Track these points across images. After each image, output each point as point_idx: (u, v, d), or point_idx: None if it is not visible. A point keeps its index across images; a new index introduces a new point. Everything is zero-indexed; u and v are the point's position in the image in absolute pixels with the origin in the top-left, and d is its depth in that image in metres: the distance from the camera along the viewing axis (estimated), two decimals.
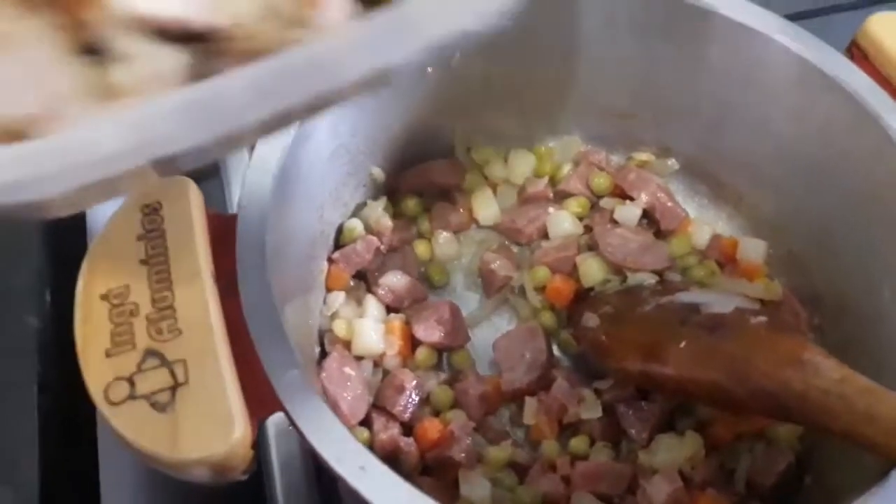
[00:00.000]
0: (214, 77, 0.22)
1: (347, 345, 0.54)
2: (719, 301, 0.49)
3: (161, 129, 0.21)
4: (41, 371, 0.46)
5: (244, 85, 0.21)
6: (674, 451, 0.50)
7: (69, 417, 0.47)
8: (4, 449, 0.43)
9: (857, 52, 0.53)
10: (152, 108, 0.21)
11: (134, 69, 0.22)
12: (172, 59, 0.23)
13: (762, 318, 0.46)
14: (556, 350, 0.57)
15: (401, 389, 0.52)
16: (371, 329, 0.54)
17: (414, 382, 0.53)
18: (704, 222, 0.62)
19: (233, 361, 0.38)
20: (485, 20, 0.24)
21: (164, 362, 0.38)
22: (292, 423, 0.37)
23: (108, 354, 0.38)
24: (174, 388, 0.37)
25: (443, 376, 0.55)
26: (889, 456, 0.37)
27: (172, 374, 0.37)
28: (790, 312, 0.57)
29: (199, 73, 0.23)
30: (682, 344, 0.47)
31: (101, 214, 0.67)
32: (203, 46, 0.24)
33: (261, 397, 0.38)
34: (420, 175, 0.61)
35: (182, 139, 0.21)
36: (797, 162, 0.55)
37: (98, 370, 0.38)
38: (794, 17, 0.78)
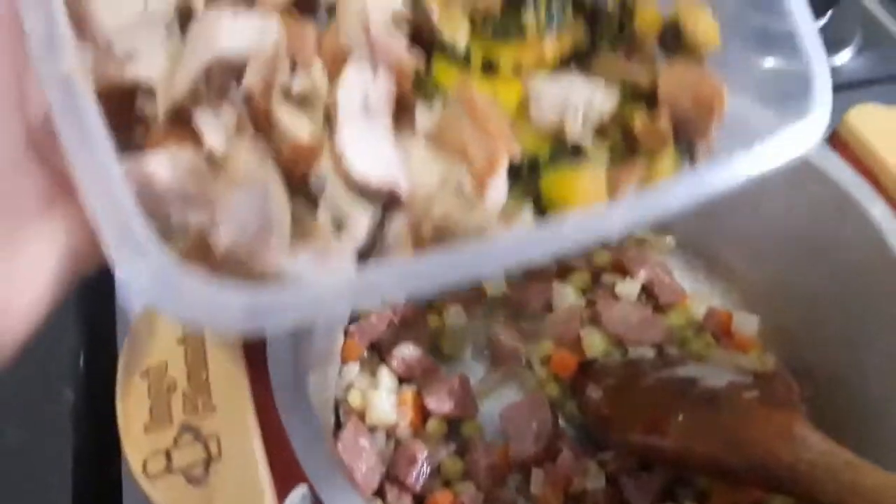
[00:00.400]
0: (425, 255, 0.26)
1: (362, 415, 0.57)
2: (714, 375, 0.52)
3: (381, 290, 0.25)
4: (76, 443, 0.48)
5: (454, 261, 0.26)
6: None
7: (101, 488, 0.50)
8: None
9: (839, 143, 0.57)
10: (377, 272, 0.25)
11: (334, 215, 0.27)
12: (366, 210, 0.27)
13: (755, 393, 0.49)
14: (561, 420, 0.60)
15: (413, 461, 0.55)
16: (384, 400, 0.56)
17: (425, 453, 0.55)
18: (700, 297, 0.65)
19: (262, 436, 0.41)
20: None
21: (199, 437, 0.41)
22: (316, 497, 0.40)
23: (146, 429, 0.41)
24: (208, 462, 0.40)
25: (453, 447, 0.58)
26: None
27: (206, 449, 0.40)
28: (783, 384, 0.59)
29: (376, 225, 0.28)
30: (680, 417, 0.49)
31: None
32: (386, 203, 0.28)
33: (286, 470, 0.41)
34: None
35: (383, 297, 0.25)
36: (787, 242, 0.59)
37: (137, 444, 0.40)
38: None
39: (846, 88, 0.90)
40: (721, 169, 0.31)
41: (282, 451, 0.41)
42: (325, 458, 0.41)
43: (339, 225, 0.27)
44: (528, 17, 0.36)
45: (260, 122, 0.27)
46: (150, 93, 0.27)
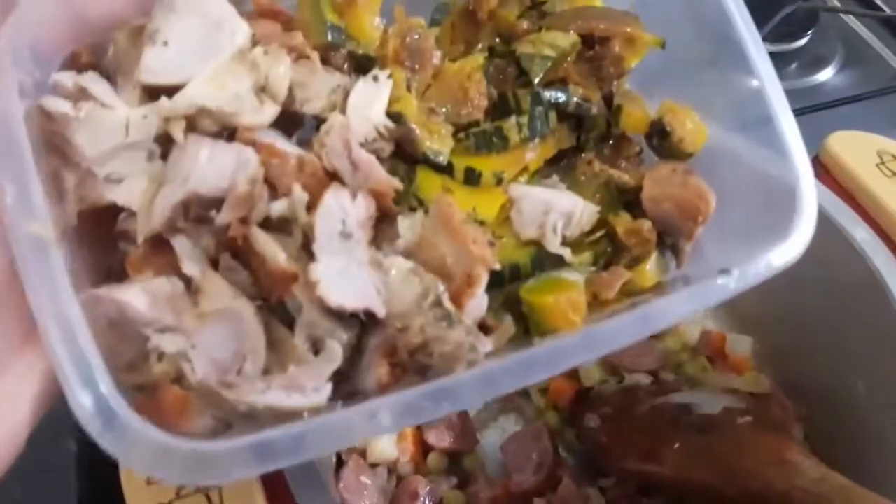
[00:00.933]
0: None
1: (363, 453, 0.57)
2: (709, 401, 0.52)
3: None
4: (80, 493, 0.49)
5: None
6: None
7: None
8: None
9: (820, 168, 0.58)
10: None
11: (311, 337, 0.28)
12: (343, 333, 0.28)
13: (748, 418, 0.50)
14: (561, 449, 0.60)
15: (415, 496, 0.55)
16: (385, 437, 0.57)
17: (427, 489, 0.56)
18: (694, 321, 0.66)
19: (263, 486, 0.42)
20: None
21: (200, 489, 0.41)
22: None
23: (149, 483, 0.42)
24: None
25: (454, 480, 0.58)
26: None
27: (209, 500, 0.41)
28: (778, 404, 0.60)
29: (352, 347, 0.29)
30: (676, 445, 0.50)
31: None
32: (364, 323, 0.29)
33: None
34: None
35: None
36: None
37: (140, 497, 0.41)
38: None
39: (830, 106, 0.91)
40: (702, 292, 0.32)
41: (282, 497, 0.42)
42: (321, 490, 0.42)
43: (316, 348, 0.28)
44: (512, 131, 0.37)
45: (237, 248, 0.28)
46: (132, 212, 0.28)
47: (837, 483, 0.42)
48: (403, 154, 0.35)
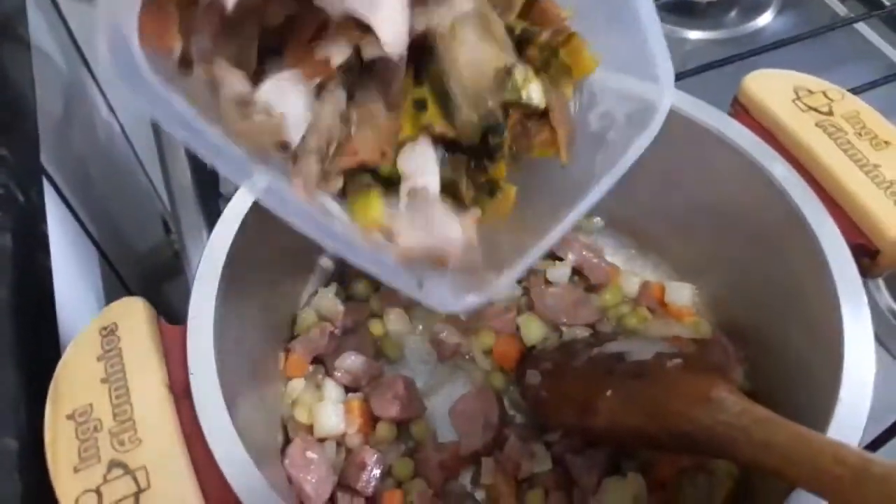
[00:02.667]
0: None
1: (310, 429, 0.58)
2: (642, 348, 0.53)
3: None
4: (24, 490, 0.49)
5: None
6: (619, 493, 0.53)
7: None
8: None
9: (739, 109, 0.58)
10: None
11: None
12: None
13: (678, 361, 0.50)
14: (508, 408, 0.61)
15: (363, 466, 0.56)
16: (331, 412, 0.58)
17: (375, 458, 0.56)
18: (634, 272, 0.67)
19: (192, 463, 0.42)
20: None
21: (127, 471, 0.42)
22: None
23: (76, 469, 0.42)
24: (137, 495, 0.41)
25: (403, 448, 0.59)
26: (788, 481, 0.40)
27: (136, 482, 0.41)
28: (720, 348, 0.61)
29: None
30: (609, 393, 0.51)
31: (74, 334, 0.71)
32: None
33: (220, 495, 0.42)
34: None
35: None
36: (703, 210, 0.60)
37: (68, 485, 0.41)
38: (705, 69, 0.85)
39: (767, 50, 0.91)
40: None
41: (213, 477, 0.42)
42: (260, 483, 0.42)
43: None
44: None
45: None
46: None
47: (758, 415, 0.43)
48: None
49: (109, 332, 0.47)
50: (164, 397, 0.44)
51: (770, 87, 0.58)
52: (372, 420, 0.60)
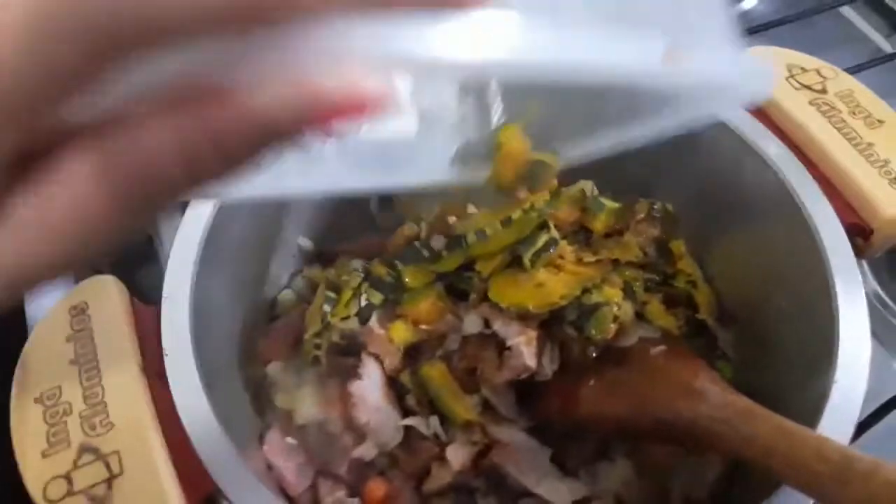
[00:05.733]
0: None
1: (290, 415, 0.56)
2: (625, 334, 0.52)
3: None
4: None
5: None
6: (608, 479, 0.52)
7: None
8: None
9: None
10: None
11: None
12: None
13: (661, 348, 0.49)
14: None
15: (346, 452, 0.54)
16: (310, 399, 0.56)
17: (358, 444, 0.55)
18: None
19: (167, 448, 0.40)
20: None
21: (99, 456, 0.40)
22: (229, 502, 0.39)
23: (44, 455, 0.40)
24: (110, 481, 0.39)
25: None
26: (768, 472, 0.39)
27: (108, 467, 0.39)
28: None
29: None
30: (592, 382, 0.49)
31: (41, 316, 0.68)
32: None
33: (197, 480, 0.40)
34: (354, 250, 0.64)
35: None
36: (694, 192, 0.59)
37: (36, 471, 0.39)
38: None
39: (755, 31, 0.91)
40: None
41: (190, 462, 0.40)
42: (237, 466, 0.40)
43: None
44: None
45: None
46: None
47: (740, 406, 0.42)
48: None
49: (79, 312, 0.44)
50: (137, 379, 0.42)
51: None
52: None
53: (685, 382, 0.45)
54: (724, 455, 0.42)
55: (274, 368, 0.58)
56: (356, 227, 0.66)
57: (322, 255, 0.64)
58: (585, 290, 0.49)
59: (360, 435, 0.54)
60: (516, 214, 0.52)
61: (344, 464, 0.54)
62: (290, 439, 0.53)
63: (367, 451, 0.53)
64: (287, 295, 0.61)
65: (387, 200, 0.65)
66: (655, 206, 0.56)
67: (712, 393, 0.43)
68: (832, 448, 0.37)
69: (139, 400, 0.41)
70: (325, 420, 0.56)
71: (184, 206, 0.79)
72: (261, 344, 0.58)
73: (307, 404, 0.56)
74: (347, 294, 0.54)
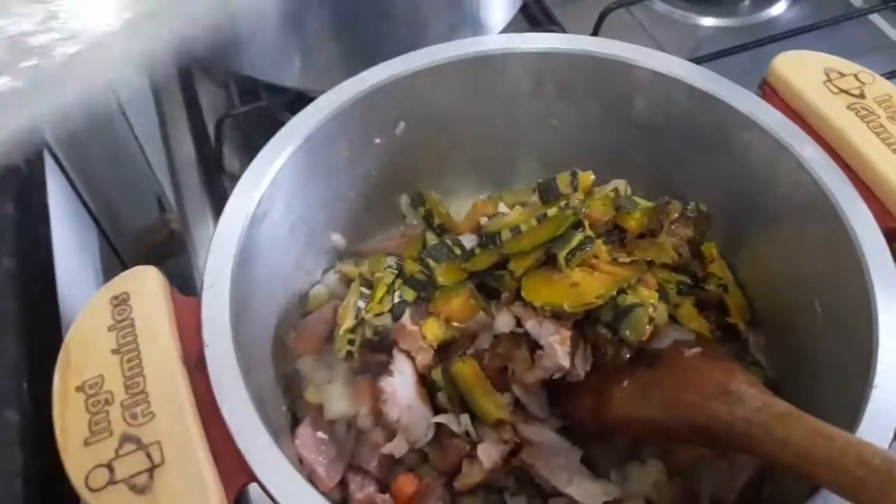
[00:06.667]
0: None
1: (320, 409, 0.56)
2: (660, 336, 0.51)
3: None
4: (24, 464, 0.47)
5: None
6: (639, 480, 0.52)
7: None
8: None
9: (768, 90, 0.57)
10: None
11: None
12: None
13: (696, 350, 0.49)
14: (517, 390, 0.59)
15: (376, 447, 0.54)
16: (340, 394, 0.56)
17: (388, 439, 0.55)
18: None
19: (206, 438, 0.41)
20: None
21: (141, 446, 0.40)
22: (266, 492, 0.40)
23: (86, 443, 0.40)
24: (151, 470, 0.39)
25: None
26: (805, 477, 0.39)
27: (149, 457, 0.39)
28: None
29: None
30: (625, 383, 0.49)
31: (74, 306, 0.69)
32: None
33: (235, 470, 0.40)
34: (377, 248, 0.64)
35: None
36: (727, 195, 0.59)
37: (78, 459, 0.40)
38: (719, 56, 0.84)
39: (783, 38, 0.90)
40: None
41: (228, 452, 0.40)
42: (275, 456, 0.41)
43: None
44: None
45: None
46: None
47: (777, 410, 0.42)
48: None
49: (121, 302, 0.45)
50: (178, 370, 0.42)
51: (800, 68, 0.56)
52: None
53: (721, 385, 0.45)
54: (761, 459, 0.41)
55: (304, 363, 0.58)
56: (387, 224, 0.67)
57: (354, 252, 0.64)
58: (621, 291, 0.49)
59: (390, 431, 0.54)
60: (552, 211, 0.52)
61: (374, 459, 0.54)
62: (321, 434, 0.54)
63: (397, 447, 0.53)
64: (319, 290, 0.61)
65: (418, 198, 0.66)
66: (689, 207, 0.55)
67: (749, 396, 0.43)
68: (873, 453, 0.37)
69: (180, 390, 0.41)
70: (355, 416, 0.56)
71: (215, 203, 0.80)
72: (292, 338, 0.59)
73: (337, 399, 0.56)
74: (381, 290, 0.54)
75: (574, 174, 0.55)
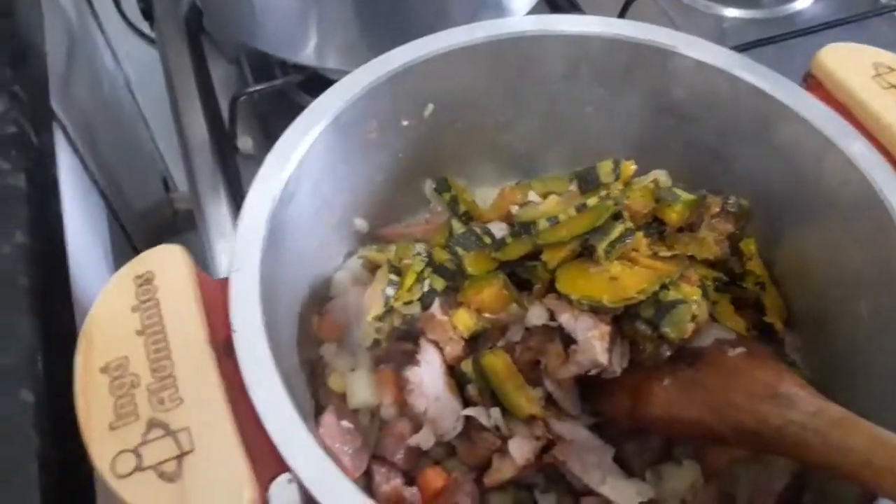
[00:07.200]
0: None
1: (342, 397, 0.54)
2: (699, 334, 0.50)
3: None
4: (40, 447, 0.45)
5: None
6: (675, 481, 0.51)
7: (68, 492, 0.47)
8: None
9: (813, 83, 0.55)
10: None
11: None
12: None
13: (740, 350, 0.47)
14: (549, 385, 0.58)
15: (401, 438, 0.52)
16: (364, 383, 0.54)
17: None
18: None
19: (236, 424, 0.39)
20: None
21: (169, 432, 0.38)
22: (300, 483, 0.38)
23: (111, 427, 0.38)
24: (181, 457, 0.37)
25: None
26: (865, 486, 0.37)
27: (178, 443, 0.38)
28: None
29: None
30: (666, 382, 0.48)
31: (85, 285, 0.67)
32: None
33: (266, 459, 0.38)
34: (401, 234, 0.63)
35: None
36: (766, 189, 0.57)
37: (103, 444, 0.38)
38: (744, 48, 0.82)
39: (809, 32, 0.89)
40: None
41: (259, 440, 0.39)
42: (309, 444, 0.39)
43: None
44: None
45: None
46: None
47: (833, 415, 0.40)
48: None
49: (145, 281, 0.43)
50: (206, 353, 0.40)
51: (848, 61, 0.55)
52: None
53: (769, 387, 0.43)
54: (812, 465, 0.40)
55: (327, 349, 0.56)
56: (410, 209, 0.65)
57: (376, 237, 0.63)
58: (662, 287, 0.47)
59: (415, 422, 0.53)
60: (592, 201, 0.51)
61: (399, 451, 0.52)
62: (345, 422, 0.52)
63: (424, 439, 0.51)
64: (342, 275, 0.59)
65: (443, 184, 0.64)
66: (730, 201, 0.54)
67: (801, 399, 0.41)
68: None
69: (210, 375, 0.40)
70: (378, 405, 0.55)
71: (228, 181, 0.78)
72: (314, 324, 0.57)
73: (361, 388, 0.54)
74: (411, 278, 0.52)
75: (617, 163, 0.53)
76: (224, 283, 0.43)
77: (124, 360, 0.40)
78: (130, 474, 0.37)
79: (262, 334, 0.41)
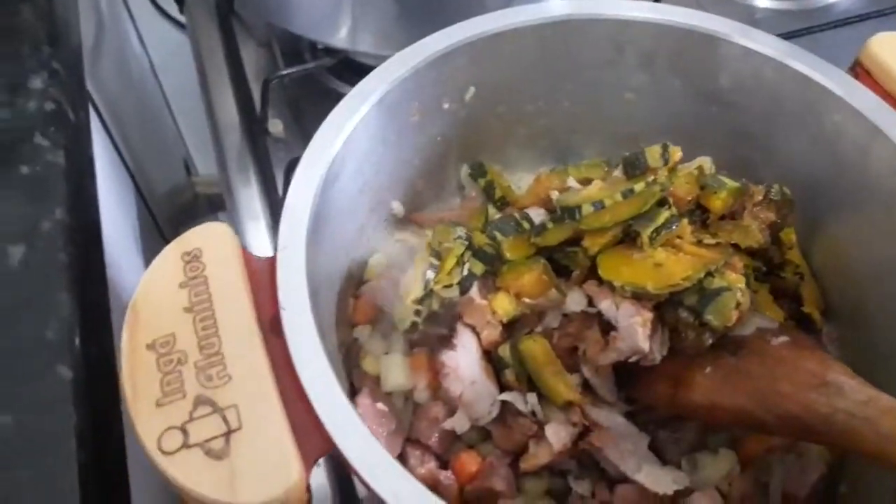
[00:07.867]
0: None
1: (377, 380, 0.54)
2: (742, 322, 0.49)
3: None
4: (78, 423, 0.46)
5: None
6: (710, 469, 0.50)
7: (105, 469, 0.47)
8: None
9: (861, 71, 0.55)
10: None
11: None
12: None
13: (784, 338, 0.47)
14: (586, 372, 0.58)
15: (435, 422, 0.52)
16: (398, 366, 0.54)
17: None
18: None
19: (283, 403, 0.39)
20: None
21: (216, 409, 0.38)
22: (346, 463, 0.38)
23: (158, 404, 0.38)
24: (228, 435, 0.37)
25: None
26: None
27: (225, 421, 0.38)
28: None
29: None
30: (708, 370, 0.47)
31: (118, 261, 0.67)
32: None
33: (312, 438, 0.38)
34: (437, 219, 0.62)
35: None
36: (809, 178, 0.56)
37: (149, 420, 0.38)
38: (790, 35, 0.81)
39: (841, 24, 0.88)
40: None
41: (304, 419, 0.38)
42: (355, 424, 0.39)
43: None
44: None
45: None
46: None
47: (885, 404, 0.40)
48: None
49: (193, 258, 0.43)
50: (254, 332, 0.40)
51: None
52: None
53: (816, 375, 0.43)
54: (863, 454, 0.39)
55: (362, 332, 0.56)
56: (444, 194, 0.65)
57: (410, 221, 0.62)
58: (707, 274, 0.47)
59: (450, 406, 0.52)
60: (639, 186, 0.50)
61: (433, 434, 0.52)
62: (380, 405, 0.52)
63: (459, 423, 0.51)
64: (378, 258, 0.59)
65: (478, 169, 0.64)
66: (773, 189, 0.53)
67: (849, 387, 0.41)
68: None
69: (258, 353, 0.39)
70: (412, 389, 0.55)
71: (258, 163, 0.78)
72: (350, 306, 0.57)
73: (395, 371, 0.54)
74: (451, 262, 0.52)
75: (665, 147, 0.52)
76: (270, 261, 0.43)
77: (171, 337, 0.40)
78: (177, 451, 0.37)
79: (310, 313, 0.41)
